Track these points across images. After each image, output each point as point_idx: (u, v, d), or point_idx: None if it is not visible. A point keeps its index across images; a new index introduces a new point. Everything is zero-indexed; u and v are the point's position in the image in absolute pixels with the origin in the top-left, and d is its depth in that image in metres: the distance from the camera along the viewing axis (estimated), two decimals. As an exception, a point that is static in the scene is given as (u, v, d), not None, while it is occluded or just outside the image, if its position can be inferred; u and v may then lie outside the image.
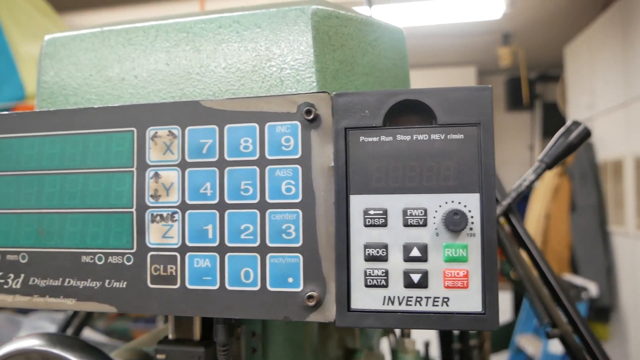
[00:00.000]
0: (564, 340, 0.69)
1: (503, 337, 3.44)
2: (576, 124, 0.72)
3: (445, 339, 0.90)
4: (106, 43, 0.46)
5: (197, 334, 0.49)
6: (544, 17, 3.57)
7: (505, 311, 4.27)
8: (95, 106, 0.39)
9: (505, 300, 4.41)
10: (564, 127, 0.73)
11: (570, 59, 3.90)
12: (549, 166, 0.73)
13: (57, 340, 0.46)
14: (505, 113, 5.22)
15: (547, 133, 4.85)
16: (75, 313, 0.92)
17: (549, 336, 0.68)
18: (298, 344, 0.59)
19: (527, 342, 3.25)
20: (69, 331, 0.91)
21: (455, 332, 0.92)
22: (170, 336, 0.50)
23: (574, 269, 3.59)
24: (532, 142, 5.10)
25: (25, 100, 2.12)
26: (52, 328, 1.59)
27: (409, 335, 0.72)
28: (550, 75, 4.98)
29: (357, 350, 0.72)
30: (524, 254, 0.75)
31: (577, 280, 3.31)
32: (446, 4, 2.96)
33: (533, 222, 3.77)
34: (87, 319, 0.93)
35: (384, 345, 0.93)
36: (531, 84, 4.93)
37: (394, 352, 0.69)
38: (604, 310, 3.53)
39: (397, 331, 0.88)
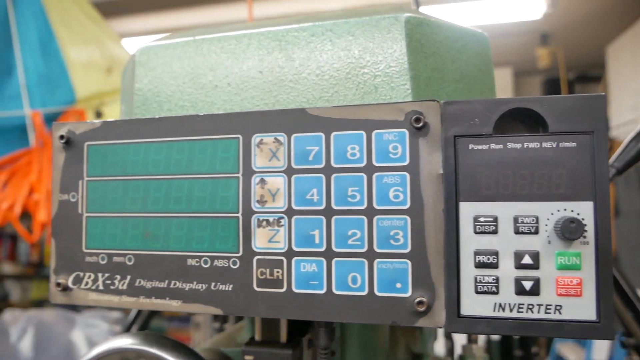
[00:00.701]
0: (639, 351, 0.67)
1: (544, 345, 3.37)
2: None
3: (507, 345, 0.89)
4: (199, 51, 0.48)
5: (283, 336, 0.50)
6: (585, 17, 3.49)
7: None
8: (200, 114, 0.40)
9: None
10: (635, 130, 0.71)
11: (612, 59, 3.80)
12: (620, 171, 0.71)
13: (152, 340, 0.48)
14: (543, 115, 5.10)
15: (588, 135, 4.73)
16: (139, 312, 0.94)
17: (623, 346, 0.67)
18: (372, 348, 0.59)
19: (568, 350, 3.17)
20: (134, 329, 0.93)
21: (516, 337, 0.91)
22: (257, 337, 0.51)
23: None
24: (571, 144, 4.98)
25: (76, 104, 2.19)
26: (104, 325, 1.63)
27: (476, 342, 0.72)
28: (590, 76, 4.86)
29: (423, 355, 0.72)
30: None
31: (621, 286, 3.22)
32: (486, 5, 2.93)
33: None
34: (150, 318, 0.96)
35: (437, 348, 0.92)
36: (570, 85, 4.82)
37: (462, 358, 0.69)
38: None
39: (458, 337, 0.88)
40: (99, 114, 2.27)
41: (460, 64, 0.46)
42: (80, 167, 0.43)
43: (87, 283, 0.43)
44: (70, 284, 0.43)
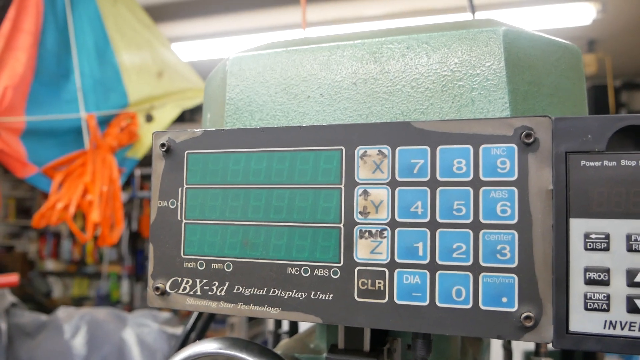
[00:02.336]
0: None
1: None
2: None
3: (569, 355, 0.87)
4: (291, 62, 0.49)
5: (366, 344, 0.51)
6: (633, 24, 3.39)
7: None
8: (303, 125, 0.41)
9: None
10: None
11: (665, 66, 3.67)
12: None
13: (240, 344, 0.49)
14: (589, 122, 4.99)
15: (635, 144, 4.60)
16: (199, 316, 0.96)
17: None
18: (447, 357, 0.59)
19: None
20: (193, 335, 0.95)
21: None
22: (340, 346, 0.51)
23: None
24: (618, 153, 4.85)
25: (128, 108, 2.26)
26: (155, 325, 1.67)
27: (546, 355, 0.71)
28: (637, 83, 4.73)
29: (489, 366, 0.72)
30: None
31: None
32: (537, 11, 2.88)
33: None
34: (209, 322, 0.98)
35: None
36: (616, 92, 4.70)
37: (531, 371, 0.68)
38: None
39: (515, 347, 0.86)
40: (149, 117, 2.33)
41: (555, 77, 0.46)
42: (180, 174, 0.45)
43: (185, 288, 0.44)
44: (168, 289, 0.45)
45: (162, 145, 0.45)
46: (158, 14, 2.89)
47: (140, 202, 5.67)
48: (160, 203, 0.45)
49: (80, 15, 2.14)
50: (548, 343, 0.35)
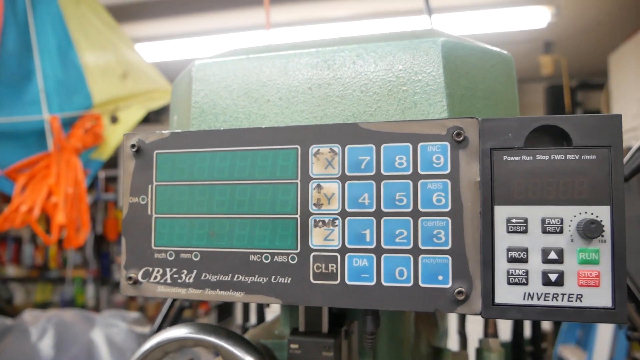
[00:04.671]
0: (645, 344, 0.72)
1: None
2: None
3: (518, 342, 0.94)
4: (252, 69, 0.53)
5: (325, 326, 0.55)
6: (588, 26, 3.55)
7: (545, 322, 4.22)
8: (262, 127, 0.45)
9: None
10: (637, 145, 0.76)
11: (615, 67, 3.85)
12: (627, 179, 0.76)
13: (209, 329, 0.53)
14: (546, 121, 5.15)
15: (589, 142, 4.77)
16: (171, 306, 0.99)
17: (629, 339, 0.72)
18: (400, 341, 0.64)
19: (570, 352, 3.21)
20: (165, 324, 0.98)
21: (527, 335, 0.95)
22: (301, 329, 0.56)
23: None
24: (573, 150, 5.02)
25: (92, 109, 2.24)
26: (123, 325, 1.68)
27: (494, 336, 0.77)
28: (592, 84, 4.92)
29: (443, 349, 0.77)
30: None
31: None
32: (492, 14, 2.98)
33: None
34: (180, 314, 1.01)
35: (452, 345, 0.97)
36: (572, 92, 4.88)
37: (479, 352, 0.74)
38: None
39: (470, 334, 0.93)
40: (114, 119, 2.33)
41: (489, 82, 0.51)
42: (149, 172, 0.48)
43: (155, 277, 0.48)
44: (140, 278, 0.48)
45: (133, 145, 0.49)
46: (121, 14, 2.87)
47: (105, 204, 5.59)
48: (131, 199, 0.49)
49: (42, 16, 2.12)
50: (477, 314, 0.40)
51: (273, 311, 0.99)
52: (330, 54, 0.51)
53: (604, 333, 3.33)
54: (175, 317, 1.02)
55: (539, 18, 3.10)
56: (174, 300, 1.02)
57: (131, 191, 0.49)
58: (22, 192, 2.02)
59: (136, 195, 0.49)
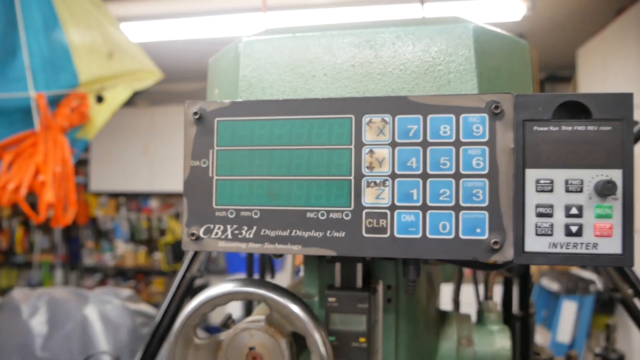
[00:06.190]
0: (625, 304, 0.82)
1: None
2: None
3: (507, 305, 1.02)
4: (298, 46, 0.58)
5: (359, 281, 0.62)
6: (559, 20, 3.69)
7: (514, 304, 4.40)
8: (320, 97, 0.51)
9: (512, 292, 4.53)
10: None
11: (582, 61, 4.01)
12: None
13: (255, 283, 0.58)
14: (516, 111, 5.30)
15: (556, 132, 4.95)
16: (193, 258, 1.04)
17: (612, 299, 0.81)
18: (416, 299, 0.71)
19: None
20: (188, 274, 1.03)
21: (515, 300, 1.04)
22: (337, 285, 0.62)
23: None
24: (541, 140, 5.19)
25: (78, 88, 2.23)
26: (117, 302, 1.71)
27: (491, 298, 0.85)
28: (560, 76, 5.09)
29: (448, 311, 0.85)
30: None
31: (585, 274, 3.44)
32: (469, 6, 3.08)
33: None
34: (189, 288, 1.06)
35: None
36: (541, 83, 5.04)
37: (480, 312, 0.82)
38: (609, 302, 3.64)
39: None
40: (100, 98, 2.32)
41: (510, 65, 0.58)
42: (210, 138, 0.53)
43: (217, 233, 0.53)
44: (202, 234, 0.54)
45: (195, 113, 0.54)
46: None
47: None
48: (192, 163, 0.54)
49: (27, -8, 2.10)
50: (510, 261, 0.47)
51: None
52: (372, 35, 0.57)
53: (567, 314, 3.52)
54: (186, 288, 1.07)
55: (515, 11, 3.21)
56: (185, 272, 1.06)
57: (192, 155, 0.54)
58: (9, 170, 2.01)
59: (198, 159, 0.54)
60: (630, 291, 0.80)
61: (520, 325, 0.99)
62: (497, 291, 1.02)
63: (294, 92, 0.58)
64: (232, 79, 0.62)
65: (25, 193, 1.98)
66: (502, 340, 0.78)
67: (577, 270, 3.57)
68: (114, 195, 6.28)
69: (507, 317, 1.02)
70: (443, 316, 0.83)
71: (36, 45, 2.10)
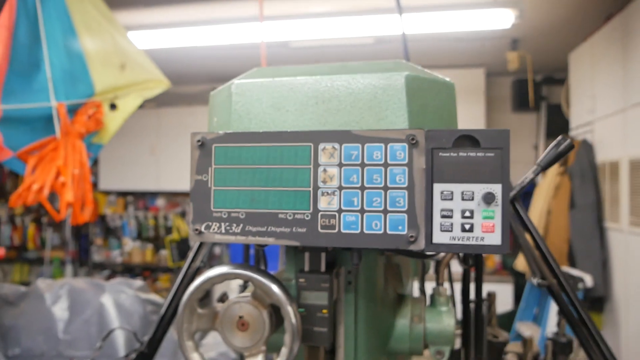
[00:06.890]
0: (550, 290, 1.00)
1: (506, 324, 3.72)
2: (564, 138, 1.03)
3: (465, 293, 1.21)
4: (277, 88, 0.77)
5: (323, 266, 0.80)
6: (550, 26, 3.85)
7: (507, 302, 4.56)
8: (287, 131, 0.70)
9: (507, 291, 4.70)
10: (556, 140, 1.04)
11: (574, 65, 4.16)
12: (544, 169, 1.04)
13: (246, 267, 0.77)
14: (511, 114, 5.45)
15: (551, 134, 5.09)
16: (198, 250, 1.23)
17: (539, 286, 0.99)
18: (373, 283, 0.90)
19: (526, 328, 3.52)
20: (195, 263, 1.22)
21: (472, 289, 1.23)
22: (306, 269, 0.81)
23: (572, 262, 3.82)
24: (537, 142, 5.34)
25: (94, 97, 2.43)
26: (130, 291, 1.91)
27: (442, 284, 1.04)
28: (556, 79, 5.21)
29: (405, 295, 1.04)
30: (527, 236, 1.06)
31: (574, 272, 3.58)
32: (462, 14, 3.25)
33: (535, 217, 4.00)
34: (193, 277, 1.25)
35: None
36: (537, 86, 5.15)
37: (432, 296, 1.00)
38: (598, 300, 3.77)
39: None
40: (113, 106, 2.52)
41: (436, 103, 0.77)
42: (209, 159, 0.72)
43: (214, 229, 0.72)
44: (203, 230, 0.73)
45: (198, 141, 0.73)
46: (113, 1, 3.04)
47: (88, 186, 5.68)
48: (196, 177, 0.73)
49: (49, 9, 2.29)
50: (421, 250, 0.65)
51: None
52: (331, 81, 0.75)
53: (556, 310, 3.67)
54: (191, 278, 1.26)
55: (504, 19, 3.38)
56: (190, 263, 1.26)
57: (197, 171, 0.73)
58: (33, 172, 2.21)
59: (200, 174, 0.73)
60: (554, 280, 0.98)
61: (475, 309, 1.18)
62: (498, 290, 1.20)
63: (273, 123, 0.77)
64: (226, 111, 0.81)
65: (47, 193, 2.19)
66: (448, 319, 0.97)
67: (566, 268, 3.71)
68: (122, 194, 6.47)
69: (465, 303, 1.21)
70: (400, 299, 1.01)
71: (57, 58, 2.30)
